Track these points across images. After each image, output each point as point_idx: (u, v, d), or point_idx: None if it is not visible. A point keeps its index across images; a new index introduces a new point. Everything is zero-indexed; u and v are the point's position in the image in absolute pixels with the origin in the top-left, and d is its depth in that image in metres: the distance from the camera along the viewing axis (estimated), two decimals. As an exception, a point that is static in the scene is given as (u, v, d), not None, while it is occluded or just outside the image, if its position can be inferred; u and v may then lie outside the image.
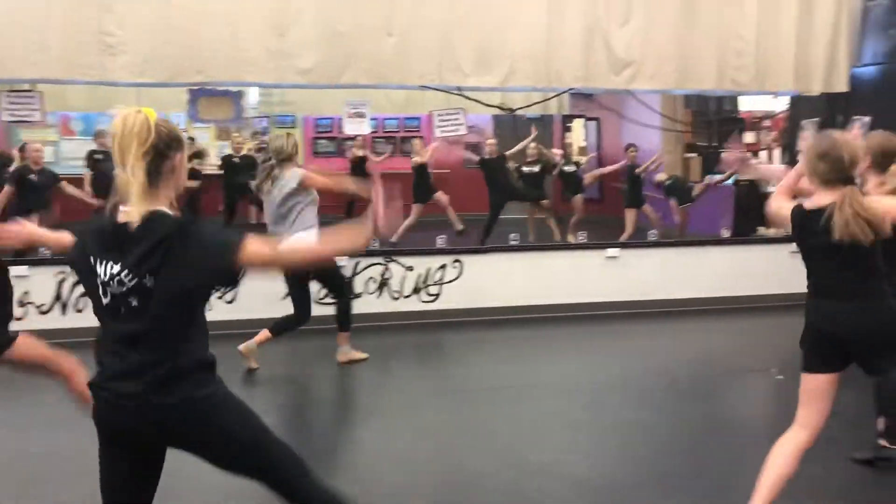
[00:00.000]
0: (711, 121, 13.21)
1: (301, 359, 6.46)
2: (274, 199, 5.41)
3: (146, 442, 2.25)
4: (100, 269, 2.16)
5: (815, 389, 3.24)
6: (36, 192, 7.65)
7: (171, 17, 6.34)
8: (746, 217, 11.43)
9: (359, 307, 7.13)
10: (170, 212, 2.20)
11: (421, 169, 10.45)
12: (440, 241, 7.74)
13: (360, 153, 12.42)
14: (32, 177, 7.49)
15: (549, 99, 8.54)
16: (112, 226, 2.17)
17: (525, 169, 10.83)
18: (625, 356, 6.61)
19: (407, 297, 7.42)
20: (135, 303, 2.13)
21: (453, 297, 7.48)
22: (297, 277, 5.54)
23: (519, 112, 11.06)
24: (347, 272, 7.21)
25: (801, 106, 8.47)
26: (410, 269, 7.39)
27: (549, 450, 4.44)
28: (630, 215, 10.28)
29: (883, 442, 4.10)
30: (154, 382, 2.15)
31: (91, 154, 10.32)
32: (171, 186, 2.23)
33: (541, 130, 14.63)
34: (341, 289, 6.01)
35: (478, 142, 14.73)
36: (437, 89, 7.12)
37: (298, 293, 5.64)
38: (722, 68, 7.41)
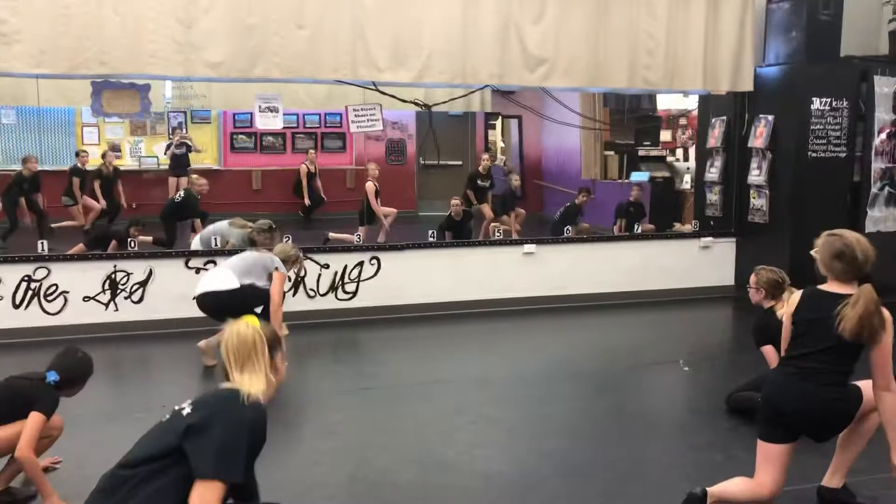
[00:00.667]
0: (629, 119, 13.48)
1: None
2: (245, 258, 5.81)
3: None
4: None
5: (772, 455, 3.25)
6: None
7: (70, 4, 6.07)
8: (661, 213, 11.75)
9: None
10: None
11: None
12: (357, 237, 7.66)
13: (312, 168, 12.76)
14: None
15: (464, 96, 8.52)
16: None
17: (480, 182, 10.86)
18: (537, 351, 6.66)
19: (323, 295, 7.31)
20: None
21: (370, 295, 7.41)
22: None
23: (439, 109, 11.15)
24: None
25: (710, 104, 8.69)
26: (326, 266, 7.29)
27: (456, 445, 4.43)
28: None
29: None
30: None
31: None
32: (272, 378, 2.63)
33: (463, 128, 14.75)
34: None
35: (400, 138, 14.76)
36: (350, 84, 7.03)
37: None
38: (633, 67, 7.54)
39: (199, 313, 5.86)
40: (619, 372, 5.96)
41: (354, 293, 7.39)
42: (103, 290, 6.74)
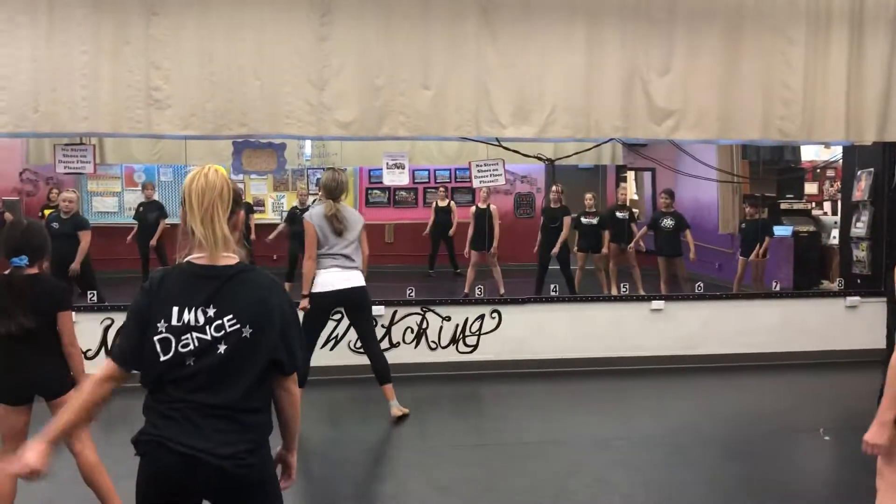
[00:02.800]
0: (769, 170, 12.89)
1: (333, 412, 6.45)
2: (347, 235, 5.72)
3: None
4: (186, 316, 2.18)
5: None
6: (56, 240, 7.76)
7: (214, 73, 6.54)
8: (806, 269, 11.09)
9: (396, 357, 7.14)
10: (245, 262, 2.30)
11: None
12: (478, 291, 7.68)
13: (443, 203, 12.87)
14: (54, 224, 7.70)
15: (589, 149, 8.46)
16: (195, 269, 2.22)
17: (584, 220, 10.72)
18: (663, 413, 6.38)
19: (444, 347, 7.35)
20: (221, 349, 2.17)
21: (491, 349, 7.38)
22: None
23: (568, 162, 11.11)
24: (385, 321, 7.22)
25: (856, 155, 8.18)
26: (448, 319, 7.34)
27: (568, 508, 4.28)
28: (661, 263, 10.05)
29: None
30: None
31: (139, 206, 10.79)
32: (235, 238, 2.31)
33: (594, 181, 14.61)
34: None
35: (529, 191, 14.81)
36: (474, 140, 7.14)
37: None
38: (767, 118, 7.22)
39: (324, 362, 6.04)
40: (752, 439, 5.60)
41: (475, 346, 7.38)
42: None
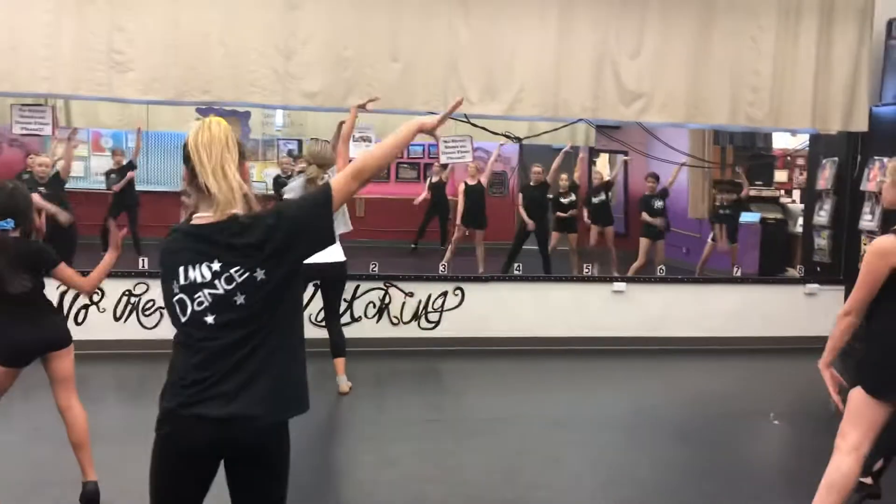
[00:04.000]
0: (740, 157, 12.97)
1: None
2: None
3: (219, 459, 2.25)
4: (192, 274, 2.12)
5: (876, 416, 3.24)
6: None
7: (178, 37, 6.42)
8: (772, 256, 11.21)
9: (358, 331, 7.13)
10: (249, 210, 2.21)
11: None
12: (442, 267, 7.67)
13: (436, 179, 12.52)
14: (41, 190, 7.51)
15: (558, 129, 8.41)
16: (199, 228, 2.15)
17: (562, 200, 10.72)
18: (619, 393, 6.44)
19: (406, 323, 7.35)
20: (241, 300, 2.10)
21: (453, 326, 7.39)
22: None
23: (541, 142, 11.10)
24: (347, 296, 7.18)
25: (821, 144, 8.25)
26: (411, 294, 7.33)
27: (515, 487, 4.31)
28: (643, 245, 10.11)
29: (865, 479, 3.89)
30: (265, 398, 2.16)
31: (108, 173, 10.63)
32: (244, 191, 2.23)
33: (567, 162, 14.60)
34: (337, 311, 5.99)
35: (502, 170, 14.78)
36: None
37: None
38: (736, 103, 7.25)
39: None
40: (705, 422, 5.66)
41: (437, 322, 7.38)
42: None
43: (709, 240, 10.64)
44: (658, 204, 10.16)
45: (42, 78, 6.23)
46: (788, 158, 13.30)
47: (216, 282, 2.11)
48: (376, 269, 7.38)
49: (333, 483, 4.40)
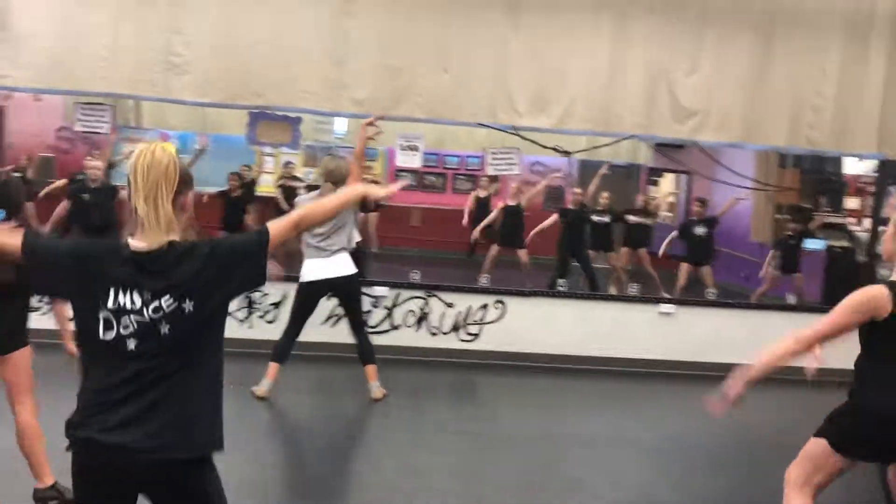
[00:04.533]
0: (807, 181, 12.55)
1: (328, 388, 6.46)
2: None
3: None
4: (122, 299, 2.11)
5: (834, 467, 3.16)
6: (88, 209, 7.70)
7: (235, 41, 6.55)
8: (836, 285, 10.77)
9: (396, 339, 7.14)
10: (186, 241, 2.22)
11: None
12: (483, 280, 7.61)
13: (483, 194, 11.87)
14: (85, 195, 7.66)
15: (608, 144, 8.29)
16: (135, 254, 2.14)
17: (595, 218, 10.54)
18: (655, 418, 6.26)
19: (445, 333, 7.31)
20: (165, 330, 2.11)
21: (493, 339, 7.32)
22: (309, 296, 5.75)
23: (600, 158, 10.98)
24: (388, 303, 7.20)
25: (889, 170, 7.90)
26: (451, 305, 7.29)
27: (533, 499, 4.22)
28: (684, 269, 9.86)
29: None
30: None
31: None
32: (182, 222, 2.23)
33: (626, 180, 14.38)
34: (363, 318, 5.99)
35: (559, 185, 14.63)
36: (489, 127, 7.06)
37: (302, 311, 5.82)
38: (795, 125, 6.99)
39: (325, 338, 6.26)
40: (740, 452, 5.45)
41: (477, 335, 7.32)
42: (240, 308, 7.12)
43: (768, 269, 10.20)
44: (700, 230, 9.86)
45: (101, 78, 6.43)
46: (860, 185, 12.82)
47: (144, 309, 2.11)
48: (417, 277, 7.37)
49: (351, 488, 4.39)
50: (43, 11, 6.38)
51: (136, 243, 2.15)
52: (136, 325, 2.11)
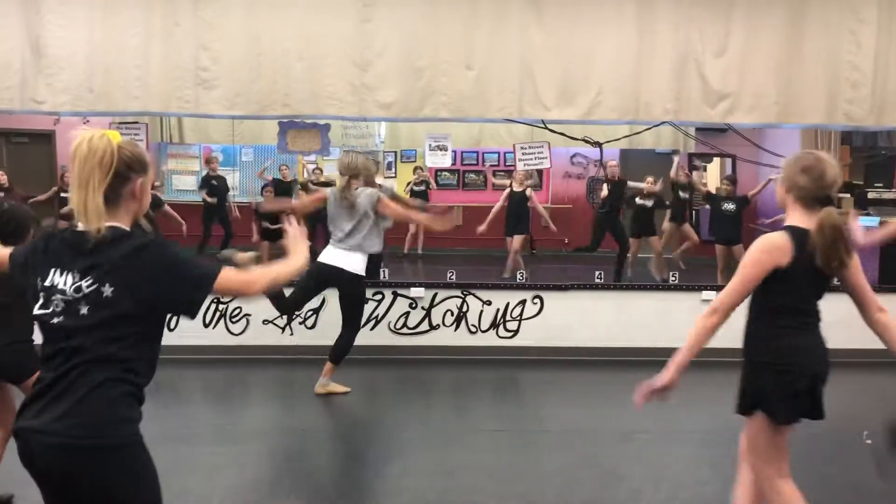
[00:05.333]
0: (859, 157, 12.19)
1: (369, 389, 6.51)
2: (343, 213, 5.79)
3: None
4: (53, 279, 2.15)
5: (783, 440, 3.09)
6: None
7: (261, 54, 6.66)
8: (893, 264, 10.42)
9: (435, 339, 7.17)
10: (126, 228, 2.20)
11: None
12: (520, 275, 7.58)
13: (519, 188, 11.48)
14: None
15: (639, 133, 8.16)
16: (71, 235, 2.17)
17: (638, 201, 10.46)
18: (700, 407, 6.12)
19: (484, 331, 7.30)
20: (84, 311, 2.11)
21: (532, 335, 7.29)
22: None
23: (645, 147, 10.82)
24: (425, 303, 7.22)
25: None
26: (488, 303, 7.28)
27: (571, 501, 4.19)
28: (719, 252, 9.69)
29: None
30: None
31: (207, 179, 11.23)
32: (131, 209, 2.23)
33: (668, 167, 14.14)
34: (356, 322, 6.03)
35: (601, 175, 14.50)
36: (517, 122, 7.04)
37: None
38: (832, 101, 6.80)
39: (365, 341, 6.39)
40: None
41: (516, 332, 7.30)
42: (281, 315, 7.22)
43: None
44: (728, 206, 9.73)
45: (134, 97, 6.61)
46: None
47: (68, 289, 2.13)
48: (453, 276, 7.38)
49: (382, 489, 4.41)
50: (75, 36, 6.58)
51: (78, 226, 2.17)
52: (62, 304, 2.13)
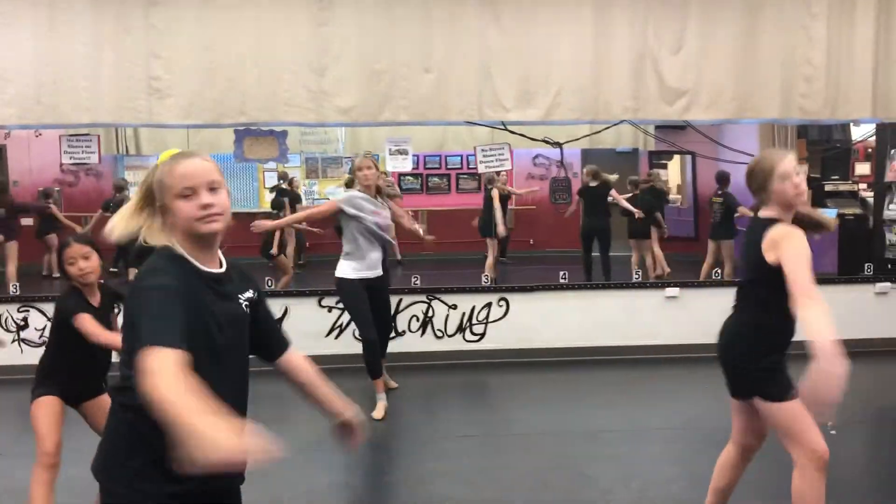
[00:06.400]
0: (813, 150, 12.35)
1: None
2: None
3: None
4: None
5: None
6: None
7: (213, 61, 6.54)
8: (850, 255, 10.58)
9: (402, 346, 7.09)
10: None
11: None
12: (484, 279, 7.54)
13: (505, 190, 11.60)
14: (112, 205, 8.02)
15: (599, 132, 8.17)
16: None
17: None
18: (667, 404, 6.16)
19: (451, 336, 7.25)
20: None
21: (499, 337, 7.25)
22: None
23: (605, 146, 10.84)
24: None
25: (889, 134, 7.75)
26: (454, 307, 7.23)
27: (541, 502, 4.15)
28: (710, 246, 9.78)
29: None
30: None
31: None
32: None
33: (631, 165, 14.25)
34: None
35: (565, 177, 14.54)
36: (477, 124, 7.01)
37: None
38: (788, 95, 6.88)
39: (328, 350, 6.42)
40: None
41: (483, 335, 7.26)
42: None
43: None
44: (718, 203, 9.81)
45: (84, 109, 6.45)
46: (870, 151, 12.60)
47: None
48: (418, 282, 7.32)
49: (348, 497, 4.34)
50: (23, 47, 6.40)
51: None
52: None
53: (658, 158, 14.35)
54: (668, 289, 7.45)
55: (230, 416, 1.67)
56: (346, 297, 5.77)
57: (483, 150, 7.21)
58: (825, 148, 12.30)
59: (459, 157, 14.12)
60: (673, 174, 15.65)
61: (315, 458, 5.06)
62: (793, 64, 6.88)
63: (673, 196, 15.26)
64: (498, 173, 10.36)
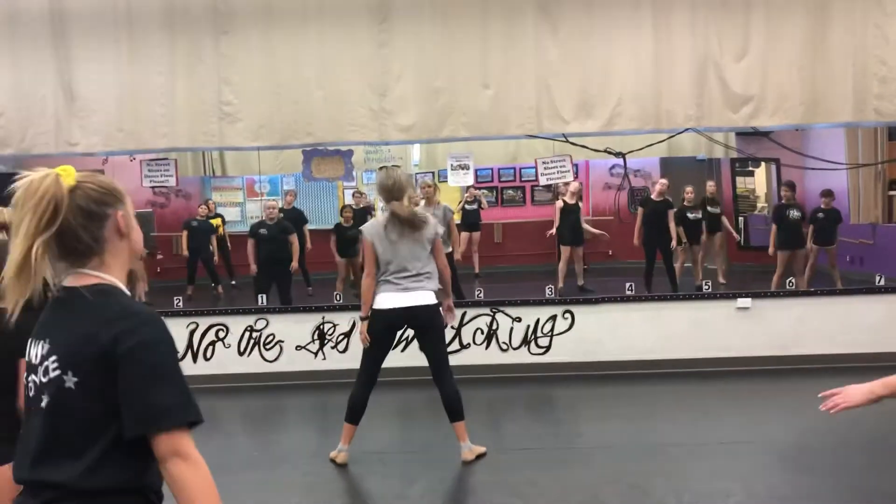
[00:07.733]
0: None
1: (401, 406, 6.52)
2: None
3: None
4: (32, 351, 1.73)
5: None
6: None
7: (281, 85, 6.82)
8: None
9: (466, 359, 7.15)
10: (120, 287, 1.73)
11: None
12: (549, 290, 7.53)
13: (572, 200, 10.84)
14: (262, 231, 8.73)
15: (661, 141, 8.00)
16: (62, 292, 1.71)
17: (690, 215, 10.39)
18: (733, 417, 5.99)
19: (515, 349, 7.27)
20: (43, 403, 1.66)
21: (564, 350, 7.22)
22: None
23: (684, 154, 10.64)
24: (454, 322, 7.21)
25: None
26: (518, 320, 7.25)
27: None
28: (781, 258, 9.44)
29: None
30: None
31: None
32: (120, 253, 1.75)
33: (708, 175, 13.89)
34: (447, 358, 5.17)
35: (644, 185, 14.32)
36: (538, 137, 7.04)
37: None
38: (861, 98, 6.61)
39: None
40: (824, 450, 5.13)
41: (548, 348, 7.24)
42: (313, 340, 7.32)
43: None
44: (794, 214, 9.46)
45: (161, 135, 6.82)
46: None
47: (39, 367, 1.69)
48: (482, 294, 7.38)
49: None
50: (104, 79, 6.83)
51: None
52: (32, 388, 1.74)
53: (742, 166, 13.94)
54: (739, 299, 7.25)
55: None
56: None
57: (544, 163, 7.23)
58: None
59: (533, 169, 14.08)
60: (759, 182, 15.18)
61: (380, 468, 5.18)
62: (865, 65, 6.62)
63: (760, 205, 14.81)
64: (566, 184, 10.30)
